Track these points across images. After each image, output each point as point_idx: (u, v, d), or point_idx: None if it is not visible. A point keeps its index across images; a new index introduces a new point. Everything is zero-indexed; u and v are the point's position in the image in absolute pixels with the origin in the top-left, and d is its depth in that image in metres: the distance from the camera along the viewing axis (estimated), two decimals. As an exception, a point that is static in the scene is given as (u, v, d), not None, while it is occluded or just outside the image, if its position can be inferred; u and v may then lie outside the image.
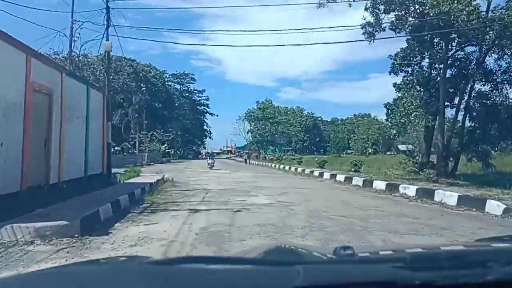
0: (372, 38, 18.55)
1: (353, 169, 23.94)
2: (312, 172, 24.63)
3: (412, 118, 21.98)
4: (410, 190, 13.42)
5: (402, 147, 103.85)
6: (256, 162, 47.16)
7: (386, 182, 15.35)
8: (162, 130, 53.42)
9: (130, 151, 57.79)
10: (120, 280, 1.02)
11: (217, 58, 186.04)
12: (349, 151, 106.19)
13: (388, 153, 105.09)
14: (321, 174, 22.78)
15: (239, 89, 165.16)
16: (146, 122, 59.88)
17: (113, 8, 16.18)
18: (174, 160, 65.92)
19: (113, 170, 21.23)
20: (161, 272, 1.04)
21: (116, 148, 57.68)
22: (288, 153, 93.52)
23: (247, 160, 45.58)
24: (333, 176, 20.89)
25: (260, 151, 79.84)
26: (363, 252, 1.51)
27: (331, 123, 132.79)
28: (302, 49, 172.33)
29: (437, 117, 21.31)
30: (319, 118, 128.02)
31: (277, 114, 71.83)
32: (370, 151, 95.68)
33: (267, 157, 51.48)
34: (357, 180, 17.64)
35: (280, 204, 10.96)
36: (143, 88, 68.99)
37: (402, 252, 1.67)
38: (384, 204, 11.11)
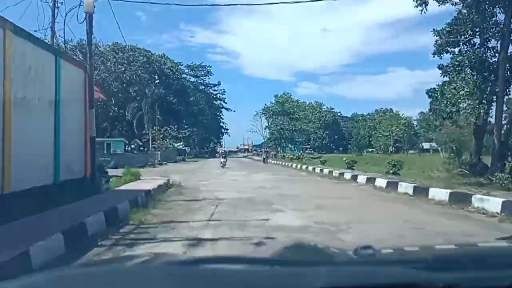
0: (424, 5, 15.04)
1: (391, 171, 20.38)
2: (342, 174, 21.15)
3: (465, 106, 18.26)
4: (491, 203, 9.89)
5: (426, 145, 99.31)
6: (275, 162, 43.69)
7: (448, 191, 11.80)
8: (176, 126, 50.21)
9: (142, 149, 55.37)
10: (144, 281, 1.03)
11: (235, 51, 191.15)
12: (369, 149, 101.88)
13: (411, 151, 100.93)
14: (354, 178, 19.28)
15: (256, 84, 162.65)
16: (159, 117, 57.18)
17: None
18: (189, 158, 63.08)
19: (114, 172, 18.36)
20: (185, 272, 1.05)
21: (131, 146, 55.27)
22: (307, 151, 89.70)
23: (266, 160, 42.14)
24: (370, 180, 17.40)
25: (278, 149, 76.49)
26: (384, 251, 1.42)
27: (351, 119, 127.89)
28: (319, 42, 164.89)
29: (492, 106, 17.89)
30: (339, 114, 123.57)
31: (295, 109, 67.93)
32: (392, 149, 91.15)
33: (286, 156, 47.96)
34: (405, 187, 14.12)
35: (320, 227, 7.62)
36: (157, 81, 66.29)
37: (424, 252, 1.58)
38: (475, 230, 7.61)
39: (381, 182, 16.22)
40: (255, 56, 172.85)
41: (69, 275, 1.19)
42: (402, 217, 8.95)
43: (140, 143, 48.75)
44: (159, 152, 42.86)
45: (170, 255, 1.67)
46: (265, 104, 78.59)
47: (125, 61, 63.80)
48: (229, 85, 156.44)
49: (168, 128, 48.81)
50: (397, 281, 0.96)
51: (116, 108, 56.61)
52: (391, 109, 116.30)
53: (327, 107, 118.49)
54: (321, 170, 25.17)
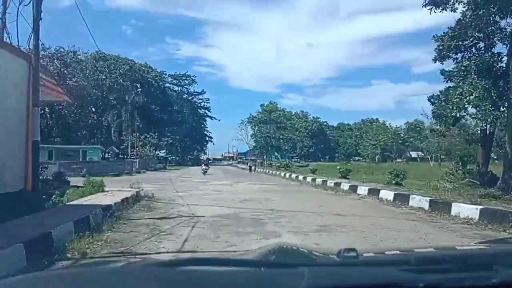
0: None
1: (393, 181, 18.32)
2: (338, 184, 18.97)
3: (476, 112, 16.64)
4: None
5: (413, 154, 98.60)
6: (261, 170, 41.43)
7: (478, 207, 9.68)
8: (156, 134, 47.53)
9: (122, 157, 52.50)
10: (124, 282, 1.02)
11: (220, 64, 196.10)
12: (356, 158, 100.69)
13: (399, 160, 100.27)
14: (352, 189, 17.09)
15: (241, 95, 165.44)
16: (140, 124, 54.51)
17: None
18: (171, 167, 60.39)
19: (82, 181, 15.80)
20: (166, 274, 1.04)
21: (109, 153, 52.30)
22: (293, 159, 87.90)
23: (252, 168, 39.68)
24: (373, 191, 15.25)
25: (264, 157, 74.33)
26: (367, 254, 1.46)
27: (337, 128, 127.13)
28: (304, 56, 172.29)
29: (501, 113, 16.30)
30: (325, 123, 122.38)
31: (282, 118, 65.99)
32: (378, 158, 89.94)
33: (273, 164, 45.74)
34: (419, 200, 11.99)
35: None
36: (139, 89, 63.68)
37: (406, 254, 1.62)
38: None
39: (387, 194, 14.06)
40: (240, 68, 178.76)
41: (52, 277, 1.18)
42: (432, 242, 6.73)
43: (117, 150, 45.94)
44: (137, 160, 40.17)
45: (151, 259, 1.62)
46: (251, 114, 76.65)
47: (106, 69, 61.16)
48: (215, 96, 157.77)
49: (148, 136, 46.09)
50: (380, 282, 0.97)
51: (95, 116, 53.84)
52: (377, 119, 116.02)
53: (313, 117, 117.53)
54: (313, 180, 22.99)
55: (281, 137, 62.75)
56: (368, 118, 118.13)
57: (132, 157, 42.46)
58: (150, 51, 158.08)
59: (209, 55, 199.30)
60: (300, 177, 26.42)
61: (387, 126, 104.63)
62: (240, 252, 2.81)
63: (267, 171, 38.25)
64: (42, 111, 52.75)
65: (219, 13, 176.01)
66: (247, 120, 77.59)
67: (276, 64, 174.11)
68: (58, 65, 47.56)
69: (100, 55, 62.66)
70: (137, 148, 42.47)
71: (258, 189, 18.09)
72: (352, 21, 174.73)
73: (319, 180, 21.97)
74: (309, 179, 24.22)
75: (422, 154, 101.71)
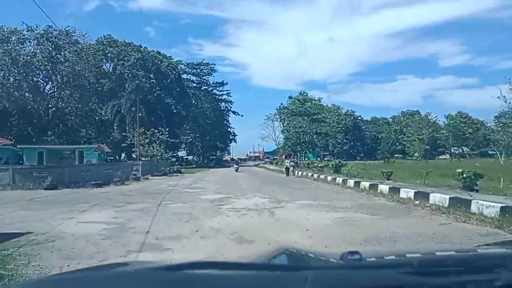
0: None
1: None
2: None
3: None
4: None
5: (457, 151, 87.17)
6: (298, 173, 31.32)
7: None
8: (167, 130, 38.35)
9: (116, 158, 43.90)
10: (133, 286, 1.02)
11: (243, 63, 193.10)
12: (396, 155, 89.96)
13: (441, 157, 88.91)
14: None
15: (264, 94, 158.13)
16: (152, 118, 45.92)
17: None
18: (189, 169, 51.51)
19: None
20: (168, 278, 1.03)
21: (109, 155, 43.81)
22: (326, 158, 77.71)
23: (290, 170, 29.56)
24: None
25: (295, 156, 64.66)
26: (370, 257, 1.48)
27: (371, 123, 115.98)
28: (327, 52, 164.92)
29: None
30: (359, 117, 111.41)
31: (316, 109, 55.65)
32: (425, 155, 78.98)
33: (313, 165, 35.68)
34: None
35: None
36: (152, 80, 55.06)
37: (409, 257, 1.58)
38: None
39: None
40: (263, 67, 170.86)
41: (53, 282, 1.18)
42: None
43: (108, 150, 37.10)
44: (140, 162, 31.25)
45: (152, 263, 1.55)
46: (281, 103, 66.78)
47: (115, 57, 52.78)
48: (238, 96, 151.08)
49: (156, 131, 36.90)
50: (383, 285, 0.97)
51: (98, 109, 45.35)
52: (417, 111, 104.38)
53: (347, 110, 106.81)
54: (395, 193, 13.01)
55: (317, 131, 52.74)
56: (409, 110, 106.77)
57: (133, 159, 33.70)
58: (173, 51, 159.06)
59: (232, 55, 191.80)
60: (365, 185, 16.43)
61: (430, 119, 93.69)
62: (246, 256, 1.61)
63: (308, 174, 28.40)
64: (33, 104, 44.77)
65: (241, 11, 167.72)
66: (276, 112, 67.90)
67: (299, 61, 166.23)
68: (50, 48, 39.33)
69: (109, 40, 54.45)
70: (139, 147, 33.43)
71: (339, 221, 8.54)
72: (375, 15, 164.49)
73: (438, 199, 11.84)
74: (384, 189, 14.19)
75: (468, 150, 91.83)
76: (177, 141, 73.96)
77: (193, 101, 68.22)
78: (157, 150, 35.14)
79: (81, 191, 18.25)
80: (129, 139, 38.55)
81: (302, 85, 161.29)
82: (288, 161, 29.59)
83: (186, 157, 79.87)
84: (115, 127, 42.89)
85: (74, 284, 1.08)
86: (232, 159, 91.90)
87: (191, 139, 74.92)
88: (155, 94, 55.33)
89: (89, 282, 1.09)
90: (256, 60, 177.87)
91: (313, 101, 54.50)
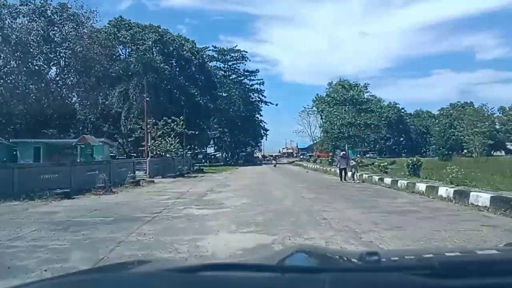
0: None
1: None
2: None
3: None
4: None
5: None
6: (358, 178, 22.56)
7: None
8: (182, 119, 30.75)
9: (127, 154, 37.26)
10: None
11: (273, 59, 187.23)
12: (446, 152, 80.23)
13: (495, 153, 78.85)
14: None
15: (295, 90, 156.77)
16: (174, 109, 39.19)
17: None
18: (214, 167, 44.48)
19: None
20: (183, 280, 1.02)
21: (120, 152, 37.05)
22: (367, 155, 68.82)
23: (351, 173, 20.94)
24: None
25: (334, 153, 56.45)
26: (389, 257, 1.41)
27: (415, 116, 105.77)
28: (358, 47, 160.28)
29: None
30: (403, 110, 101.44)
31: (362, 96, 46.87)
32: (479, 151, 69.00)
33: (377, 164, 26.99)
34: None
35: None
36: (174, 67, 48.26)
37: (429, 258, 1.51)
38: None
39: None
40: (294, 63, 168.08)
41: (65, 283, 1.15)
42: None
43: (97, 143, 30.08)
44: (148, 160, 24.19)
45: (169, 261, 1.47)
46: (317, 94, 58.64)
47: (129, 41, 46.07)
48: (268, 92, 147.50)
49: (170, 121, 29.36)
50: None
51: (103, 96, 38.60)
52: (471, 102, 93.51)
53: (389, 102, 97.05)
54: None
55: (367, 122, 44.20)
56: (459, 102, 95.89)
57: (146, 155, 26.71)
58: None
59: (262, 51, 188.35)
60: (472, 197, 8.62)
61: (485, 112, 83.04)
62: (260, 257, 1.66)
63: (372, 178, 20.32)
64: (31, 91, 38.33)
65: (271, 7, 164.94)
66: (312, 104, 59.85)
67: (330, 57, 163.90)
68: (42, 24, 32.86)
69: (122, 22, 47.90)
70: (148, 141, 26.33)
71: None
72: (408, 8, 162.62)
73: None
74: None
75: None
76: (204, 136, 67.18)
77: (221, 92, 61.01)
78: (171, 144, 27.93)
79: (18, 208, 11.18)
80: (137, 132, 31.68)
81: (333, 80, 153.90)
82: (346, 161, 21.40)
83: (214, 153, 72.92)
84: (122, 118, 36.09)
85: (80, 286, 1.05)
86: (264, 156, 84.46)
87: (218, 134, 67.91)
88: (176, 83, 48.37)
89: (101, 284, 1.06)
90: (287, 56, 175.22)
91: (359, 87, 45.90)
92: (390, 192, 14.91)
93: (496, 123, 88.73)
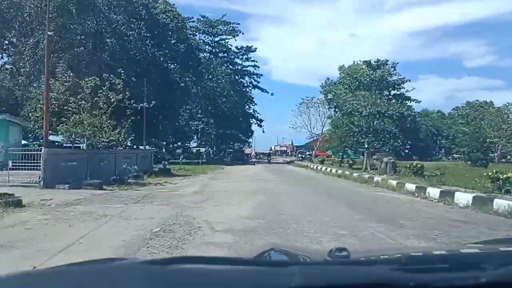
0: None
1: None
2: None
3: None
4: None
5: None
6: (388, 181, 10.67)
7: None
8: (122, 77, 17.98)
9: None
10: (117, 280, 0.99)
11: (263, 58, 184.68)
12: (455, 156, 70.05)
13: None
14: None
15: (284, 89, 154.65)
16: (146, 91, 27.30)
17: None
18: (190, 166, 32.62)
19: None
20: (158, 272, 1.01)
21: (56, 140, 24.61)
22: (374, 157, 57.53)
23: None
24: None
25: (340, 154, 45.26)
26: (358, 254, 1.46)
27: (423, 115, 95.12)
28: (347, 49, 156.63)
29: None
30: (412, 109, 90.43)
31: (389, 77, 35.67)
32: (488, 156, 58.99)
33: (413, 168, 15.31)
34: None
35: None
36: (142, 31, 36.01)
37: (397, 254, 1.60)
38: None
39: None
40: (283, 62, 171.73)
41: (37, 275, 1.13)
42: None
43: None
44: (43, 152, 12.22)
45: (142, 258, 1.41)
46: (327, 79, 47.11)
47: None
48: (257, 90, 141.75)
49: (106, 84, 16.73)
50: (371, 281, 0.97)
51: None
52: (491, 101, 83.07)
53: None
54: None
55: (400, 111, 33.01)
56: (477, 101, 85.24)
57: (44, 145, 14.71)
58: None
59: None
60: None
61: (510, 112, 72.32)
62: (232, 252, 2.43)
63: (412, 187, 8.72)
64: None
65: (262, 6, 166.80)
66: (321, 90, 48.08)
67: (319, 57, 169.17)
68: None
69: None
70: (46, 120, 14.10)
71: None
72: (399, 13, 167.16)
73: None
74: None
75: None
76: (187, 128, 54.95)
77: (206, 74, 48.66)
78: (105, 127, 15.61)
79: None
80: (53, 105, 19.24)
81: (322, 81, 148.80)
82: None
83: (197, 148, 60.60)
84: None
85: (61, 278, 1.04)
86: (257, 153, 72.80)
87: (202, 125, 55.83)
88: (146, 54, 36.03)
89: (78, 277, 1.03)
90: (276, 55, 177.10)
91: (387, 66, 34.56)
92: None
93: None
